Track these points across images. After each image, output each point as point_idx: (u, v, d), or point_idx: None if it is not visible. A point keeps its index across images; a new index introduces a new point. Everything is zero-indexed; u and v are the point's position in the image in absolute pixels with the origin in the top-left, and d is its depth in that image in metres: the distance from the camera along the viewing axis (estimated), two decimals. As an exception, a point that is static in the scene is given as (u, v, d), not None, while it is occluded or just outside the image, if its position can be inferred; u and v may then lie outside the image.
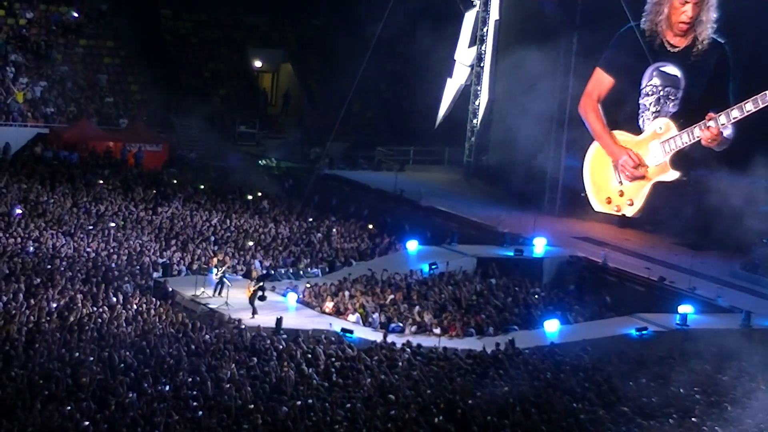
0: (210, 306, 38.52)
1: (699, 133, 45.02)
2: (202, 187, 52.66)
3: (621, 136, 47.96)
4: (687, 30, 46.10)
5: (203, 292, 39.01)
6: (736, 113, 43.77)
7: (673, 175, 46.83)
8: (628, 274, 43.75)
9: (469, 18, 57.04)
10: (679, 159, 46.54)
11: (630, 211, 48.34)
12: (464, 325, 38.80)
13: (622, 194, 48.23)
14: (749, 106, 43.17)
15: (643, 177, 47.38)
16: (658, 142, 46.59)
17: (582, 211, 50.44)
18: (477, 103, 57.03)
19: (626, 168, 47.52)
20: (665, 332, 38.70)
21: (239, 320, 37.18)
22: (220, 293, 38.87)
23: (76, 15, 64.16)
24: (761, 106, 42.79)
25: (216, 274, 39.31)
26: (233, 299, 38.52)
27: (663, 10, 46.71)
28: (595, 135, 49.10)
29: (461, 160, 58.21)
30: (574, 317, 40.50)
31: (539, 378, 33.52)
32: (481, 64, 56.82)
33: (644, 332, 38.49)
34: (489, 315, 39.71)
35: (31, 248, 41.70)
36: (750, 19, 46.29)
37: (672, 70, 47.12)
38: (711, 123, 44.50)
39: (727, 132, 45.35)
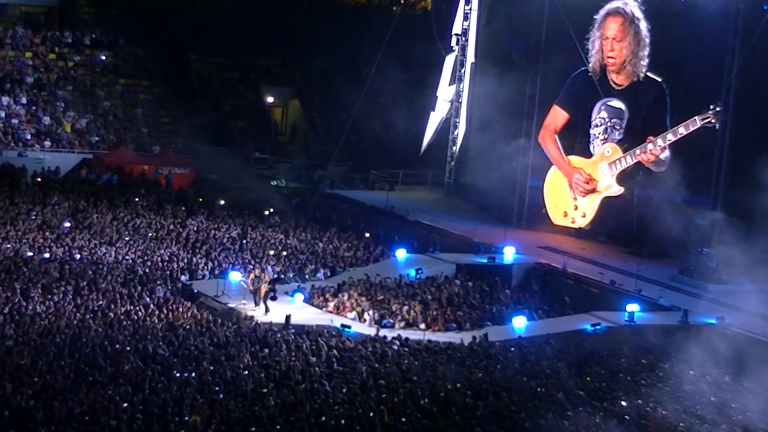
0: (229, 305, 38.51)
1: (640, 153, 45.26)
2: (222, 202, 52.67)
3: (575, 159, 48.18)
4: (619, 66, 46.10)
5: (244, 303, 38.46)
6: (670, 136, 44.01)
7: (618, 190, 47.06)
8: (584, 278, 43.72)
9: (449, 60, 57.10)
10: (624, 177, 46.80)
11: (583, 222, 48.50)
12: (445, 321, 38.78)
13: (576, 208, 48.38)
14: (681, 130, 43.52)
15: (593, 192, 47.66)
16: (606, 163, 46.77)
17: (544, 224, 50.45)
18: (456, 132, 57.07)
19: (579, 185, 47.71)
20: (615, 327, 38.64)
21: (254, 317, 37.22)
22: (259, 302, 38.46)
23: (103, 58, 64.05)
24: (691, 129, 43.28)
25: (251, 285, 38.76)
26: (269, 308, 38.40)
27: (596, 46, 46.86)
28: (552, 160, 49.25)
29: (443, 181, 58.24)
30: (539, 315, 40.46)
31: (509, 366, 33.51)
32: (460, 100, 56.88)
33: (598, 327, 38.45)
34: (466, 312, 39.67)
35: (78, 256, 41.67)
36: (687, 60, 46.48)
37: (617, 104, 47.20)
38: (650, 145, 44.73)
39: (664, 155, 45.54)
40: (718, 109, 43.40)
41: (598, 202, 47.72)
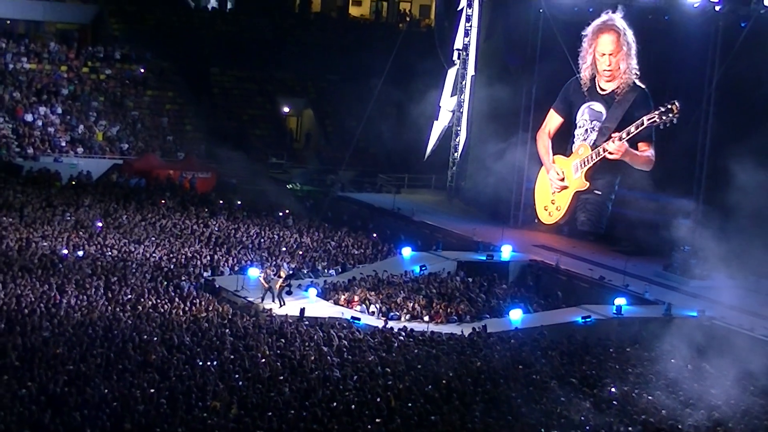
0: (248, 299, 38.54)
1: (604, 151, 46.25)
2: (240, 203, 52.69)
3: (557, 158, 48.84)
4: (612, 77, 46.40)
5: (263, 299, 38.26)
6: (624, 135, 45.88)
7: (584, 185, 47.82)
8: (576, 274, 43.69)
9: (451, 73, 57.05)
10: (593, 175, 47.54)
11: (558, 216, 49.16)
12: (447, 314, 38.78)
13: (553, 202, 49.06)
14: (632, 129, 45.66)
15: (566, 188, 48.19)
16: (578, 161, 47.31)
17: (537, 224, 50.58)
18: (457, 140, 57.03)
19: (553, 181, 48.33)
20: (604, 320, 38.67)
21: (270, 310, 37.24)
22: (282, 302, 38.34)
23: (142, 71, 64.21)
24: (640, 128, 45.27)
25: (278, 286, 38.58)
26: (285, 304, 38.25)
27: (588, 61, 46.99)
28: (542, 160, 49.75)
29: (445, 184, 58.15)
30: (534, 308, 40.45)
31: (506, 355, 33.55)
32: (461, 110, 56.81)
33: (588, 320, 38.46)
34: (466, 306, 39.68)
35: (109, 253, 41.71)
36: (671, 72, 46.52)
37: (598, 107, 47.38)
38: (611, 142, 45.95)
39: (648, 154, 45.85)
40: (663, 109, 43.92)
41: (570, 197, 48.22)
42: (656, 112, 43.79)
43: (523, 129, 51.02)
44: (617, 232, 48.28)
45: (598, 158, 46.44)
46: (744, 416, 29.56)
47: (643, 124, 44.57)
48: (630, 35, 46.17)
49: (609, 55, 46.32)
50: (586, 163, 47.07)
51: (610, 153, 46.07)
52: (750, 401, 30.77)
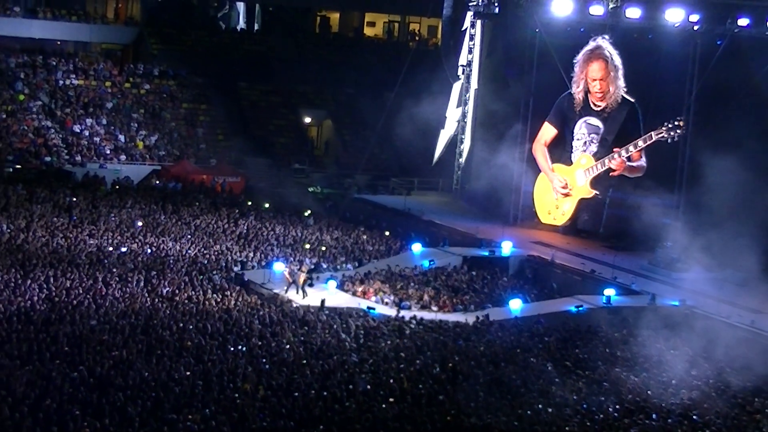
0: (274, 291, 38.58)
1: (608, 162, 45.74)
2: (267, 205, 52.76)
3: (557, 167, 48.24)
4: (603, 97, 46.38)
5: (287, 291, 38.27)
6: (631, 148, 44.61)
7: (591, 193, 47.16)
8: (569, 267, 43.68)
9: (456, 87, 57.03)
10: (596, 183, 47.10)
11: (562, 220, 48.38)
12: (453, 304, 38.80)
13: (557, 207, 48.40)
14: (640, 143, 44.29)
15: (570, 195, 47.93)
16: (582, 171, 46.98)
17: (535, 223, 50.41)
18: (462, 147, 57.01)
19: (558, 189, 48.01)
20: (595, 308, 38.64)
21: (294, 301, 37.28)
22: (305, 293, 38.32)
23: (169, 86, 64.26)
24: (648, 143, 44.02)
25: (301, 279, 38.57)
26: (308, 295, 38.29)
27: (580, 86, 46.92)
28: (541, 168, 49.22)
29: (451, 187, 58.14)
30: (531, 298, 40.44)
31: (506, 341, 33.53)
32: (465, 120, 56.79)
33: (580, 308, 38.44)
34: (471, 297, 39.70)
35: (149, 250, 41.82)
36: (654, 85, 46.53)
37: (595, 121, 46.71)
38: (615, 155, 45.36)
39: (640, 163, 45.64)
40: (670, 125, 43.72)
41: (575, 203, 48.00)
42: (663, 128, 43.44)
43: (521, 136, 50.93)
44: (607, 230, 48.19)
45: (602, 169, 46.30)
46: (722, 395, 29.54)
47: (651, 138, 44.12)
48: (617, 59, 45.96)
49: (600, 80, 46.34)
50: (591, 172, 46.80)
51: (611, 169, 45.91)
52: (727, 381, 30.73)
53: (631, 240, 44.74)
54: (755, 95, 42.51)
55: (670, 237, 43.12)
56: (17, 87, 60.46)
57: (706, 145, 41.82)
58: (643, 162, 46.24)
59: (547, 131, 52.01)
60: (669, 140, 44.70)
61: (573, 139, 47.97)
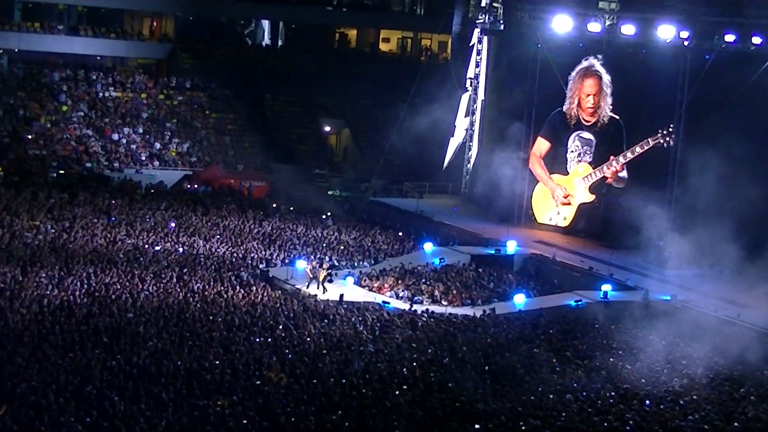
0: (296, 286, 38.61)
1: (606, 169, 46.23)
2: (291, 208, 52.79)
3: (556, 177, 48.70)
4: (594, 112, 46.94)
5: (308, 287, 38.14)
6: (629, 154, 45.63)
7: (590, 198, 47.75)
8: (569, 264, 43.58)
9: (465, 98, 56.93)
10: (593, 189, 47.51)
11: (564, 223, 49.09)
12: (462, 299, 38.78)
13: (559, 213, 48.95)
14: (637, 149, 45.30)
15: (570, 203, 48.31)
16: (580, 178, 47.47)
17: (536, 224, 50.48)
18: (470, 153, 56.94)
19: (559, 198, 48.36)
20: (593, 303, 38.52)
21: (315, 295, 37.30)
22: (324, 289, 38.25)
23: (199, 98, 64.34)
24: (645, 149, 44.69)
25: (321, 276, 38.49)
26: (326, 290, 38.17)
27: (575, 100, 47.41)
28: (539, 179, 49.74)
29: (460, 190, 58.05)
30: (534, 293, 40.37)
31: (511, 333, 33.50)
32: (473, 128, 56.72)
33: (579, 303, 38.36)
34: (478, 292, 39.66)
35: (181, 249, 41.90)
36: (647, 96, 46.53)
37: (587, 135, 47.62)
38: (613, 162, 45.91)
39: (623, 175, 46.20)
40: (665, 132, 44.12)
41: (575, 208, 48.35)
42: (659, 135, 44.05)
43: (524, 143, 50.92)
44: (604, 230, 48.20)
45: (599, 177, 46.92)
46: (711, 382, 29.46)
47: (649, 144, 44.68)
48: (607, 79, 46.92)
49: (593, 95, 47.02)
50: (589, 179, 47.40)
51: (612, 172, 46.48)
52: (715, 370, 30.66)
53: (627, 239, 44.60)
54: (741, 105, 42.48)
55: (662, 236, 43.01)
56: (61, 99, 60.75)
57: (695, 151, 41.71)
58: (625, 174, 47.47)
59: (541, 145, 53.33)
60: (665, 145, 45.24)
61: (567, 152, 49.19)
